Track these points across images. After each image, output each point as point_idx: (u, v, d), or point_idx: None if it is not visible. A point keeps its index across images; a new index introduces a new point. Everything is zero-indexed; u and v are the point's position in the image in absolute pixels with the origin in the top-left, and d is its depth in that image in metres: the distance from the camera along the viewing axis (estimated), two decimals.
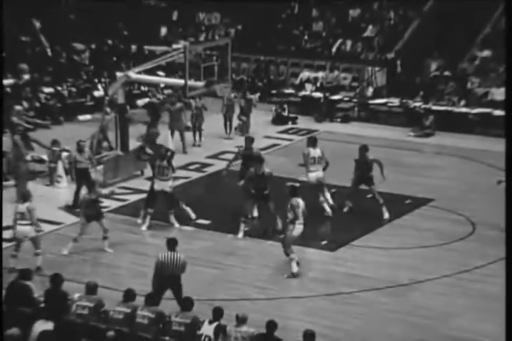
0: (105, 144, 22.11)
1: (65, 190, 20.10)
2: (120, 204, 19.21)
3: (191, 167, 22.03)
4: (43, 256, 15.58)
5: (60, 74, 28.27)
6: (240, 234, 17.16)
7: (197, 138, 24.16)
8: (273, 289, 14.86)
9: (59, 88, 27.49)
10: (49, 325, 10.92)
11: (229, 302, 13.93)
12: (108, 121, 21.94)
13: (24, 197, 15.67)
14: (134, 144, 21.87)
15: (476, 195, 19.80)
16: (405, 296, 14.70)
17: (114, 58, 29.75)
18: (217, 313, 11.41)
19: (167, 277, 13.30)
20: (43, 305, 11.96)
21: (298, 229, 15.28)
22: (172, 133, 23.17)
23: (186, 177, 21.00)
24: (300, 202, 15.38)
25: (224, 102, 24.81)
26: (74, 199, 18.78)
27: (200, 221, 17.97)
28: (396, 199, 19.27)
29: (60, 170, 20.40)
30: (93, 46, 30.61)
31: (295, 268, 15.24)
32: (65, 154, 20.78)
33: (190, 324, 11.36)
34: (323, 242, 16.72)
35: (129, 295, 11.82)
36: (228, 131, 24.90)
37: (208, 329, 11.26)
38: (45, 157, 20.90)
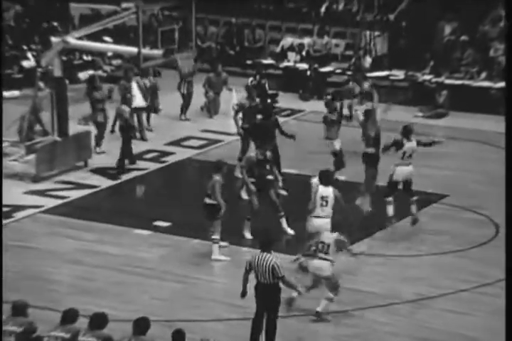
0: (38, 128, 22.04)
1: None
2: (58, 202, 19.20)
3: (148, 156, 22.04)
4: None
5: None
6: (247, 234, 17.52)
7: (151, 121, 24.08)
8: (249, 307, 14.87)
9: None
10: None
11: (194, 323, 14.01)
12: (41, 99, 21.88)
13: None
14: (74, 128, 21.83)
15: (498, 189, 19.75)
16: (411, 315, 14.77)
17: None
18: (179, 337, 11.42)
19: (259, 284, 13.46)
20: None
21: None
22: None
23: (142, 169, 21.01)
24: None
25: (183, 78, 24.58)
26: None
27: (159, 223, 17.96)
28: (400, 196, 19.32)
29: None
30: (21, 4, 30.49)
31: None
32: None
33: None
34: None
35: (68, 317, 11.76)
36: (185, 111, 24.87)
37: None
38: None
